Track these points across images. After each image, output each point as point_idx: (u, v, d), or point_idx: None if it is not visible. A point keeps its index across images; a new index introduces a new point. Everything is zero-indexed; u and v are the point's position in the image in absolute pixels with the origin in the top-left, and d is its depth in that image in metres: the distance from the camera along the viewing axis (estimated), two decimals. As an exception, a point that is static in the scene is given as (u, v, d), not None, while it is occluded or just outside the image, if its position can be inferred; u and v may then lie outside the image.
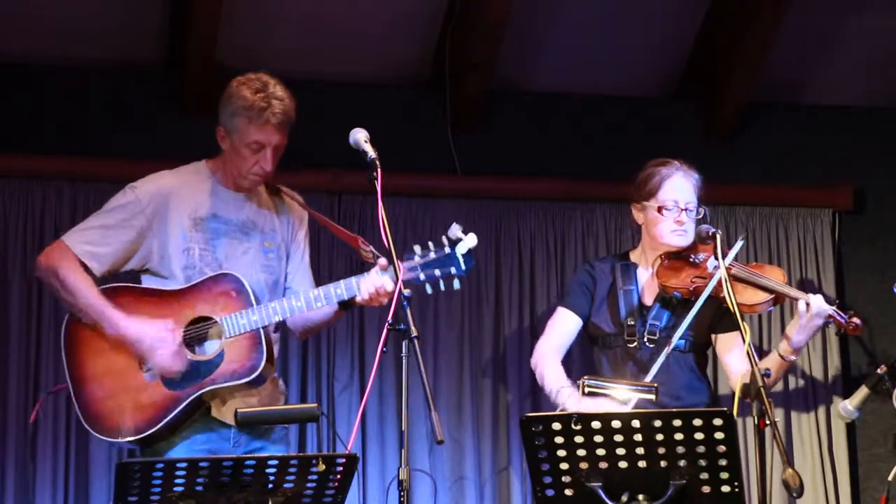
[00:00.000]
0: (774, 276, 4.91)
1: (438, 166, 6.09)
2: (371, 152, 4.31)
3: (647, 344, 4.89)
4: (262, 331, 4.43)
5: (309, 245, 4.78)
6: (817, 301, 4.81)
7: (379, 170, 4.26)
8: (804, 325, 4.80)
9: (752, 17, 5.98)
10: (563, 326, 5.04)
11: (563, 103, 6.31)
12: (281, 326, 4.74)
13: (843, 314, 4.85)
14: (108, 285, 4.53)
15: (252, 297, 4.44)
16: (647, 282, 4.99)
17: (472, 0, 5.84)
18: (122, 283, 4.58)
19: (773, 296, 4.86)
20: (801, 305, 4.79)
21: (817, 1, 6.08)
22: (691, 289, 4.84)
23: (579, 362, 5.16)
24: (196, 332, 4.47)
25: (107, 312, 4.42)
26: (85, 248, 4.49)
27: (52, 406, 5.58)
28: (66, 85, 5.86)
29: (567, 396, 4.81)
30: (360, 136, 4.38)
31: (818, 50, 6.32)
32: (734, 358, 4.94)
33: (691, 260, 4.92)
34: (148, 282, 4.58)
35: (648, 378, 4.69)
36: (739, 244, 4.94)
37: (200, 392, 4.41)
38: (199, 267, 4.51)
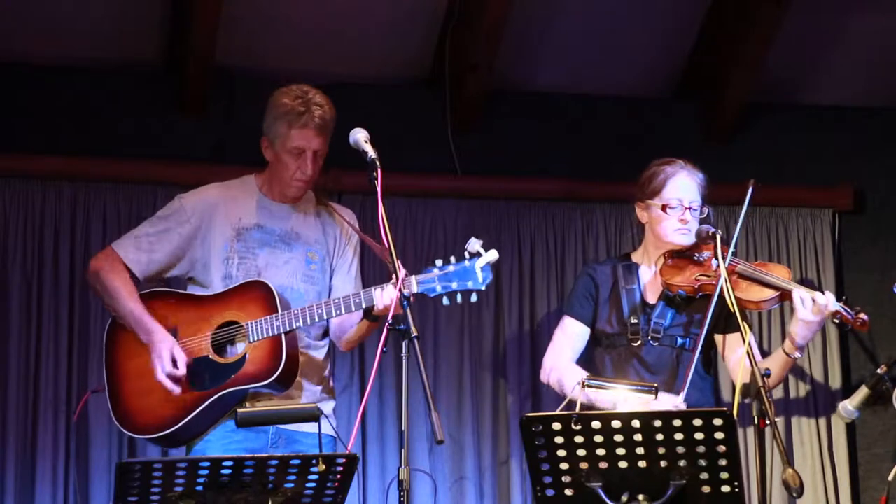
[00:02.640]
0: (780, 274, 4.90)
1: (438, 166, 6.09)
2: (371, 152, 4.32)
3: (651, 342, 4.89)
4: (283, 336, 4.49)
5: (358, 262, 4.84)
6: (812, 297, 4.79)
7: (379, 170, 4.27)
8: (804, 320, 4.79)
9: (752, 18, 5.97)
10: (572, 336, 5.00)
11: (563, 103, 6.31)
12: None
13: (850, 310, 4.84)
14: (146, 290, 4.69)
15: (279, 304, 4.52)
16: (649, 280, 4.99)
17: (472, 0, 5.84)
18: (160, 289, 4.75)
19: (778, 293, 4.85)
20: (797, 299, 4.78)
21: (817, 1, 6.08)
22: (696, 286, 4.84)
23: (579, 362, 5.16)
24: (224, 336, 4.58)
25: (142, 320, 4.58)
26: (130, 254, 4.66)
27: (52, 406, 5.58)
28: (67, 85, 5.86)
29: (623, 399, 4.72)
30: (360, 136, 4.39)
31: (818, 50, 6.32)
32: (737, 357, 4.93)
33: (695, 258, 4.92)
34: (192, 290, 4.72)
35: (683, 392, 4.67)
36: (750, 191, 4.91)
37: (219, 395, 4.50)
38: (236, 276, 4.63)
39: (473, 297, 4.40)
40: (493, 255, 4.38)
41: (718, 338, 5.00)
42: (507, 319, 6.03)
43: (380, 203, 4.22)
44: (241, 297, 4.58)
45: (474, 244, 4.37)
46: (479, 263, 4.36)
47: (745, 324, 4.44)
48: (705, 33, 6.24)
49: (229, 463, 3.74)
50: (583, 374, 4.88)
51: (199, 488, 3.74)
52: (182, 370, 4.52)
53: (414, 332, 4.07)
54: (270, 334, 4.50)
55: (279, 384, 4.53)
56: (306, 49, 5.96)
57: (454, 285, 4.39)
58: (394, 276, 4.32)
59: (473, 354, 5.99)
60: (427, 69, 6.16)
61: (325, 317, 4.52)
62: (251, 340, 4.51)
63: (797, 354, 4.88)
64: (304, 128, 4.59)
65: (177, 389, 4.51)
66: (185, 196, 4.75)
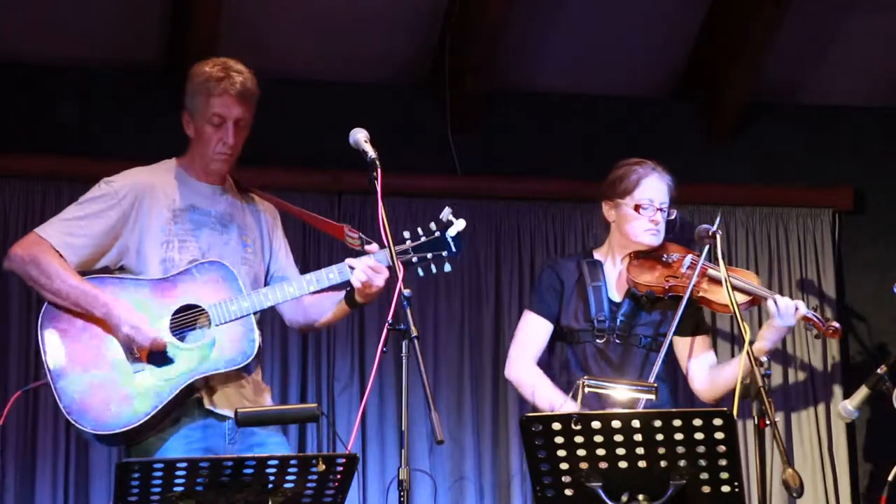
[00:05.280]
0: (749, 279, 4.93)
1: (438, 166, 6.09)
2: (371, 152, 4.29)
3: (616, 340, 4.89)
4: (252, 318, 4.38)
5: (288, 244, 4.71)
6: (784, 301, 4.82)
7: (379, 170, 4.24)
8: (775, 326, 4.82)
9: (752, 18, 5.98)
10: (535, 332, 4.97)
11: (562, 103, 6.31)
12: (278, 322, 4.71)
13: (821, 318, 4.86)
14: (89, 276, 4.42)
15: (241, 284, 4.40)
16: (615, 279, 4.99)
17: (471, 0, 5.84)
18: (101, 275, 4.47)
19: (749, 298, 4.88)
20: (771, 305, 4.81)
21: (817, 1, 6.08)
22: (666, 287, 4.84)
23: (548, 355, 5.17)
24: (183, 321, 4.39)
25: (93, 293, 4.35)
26: (61, 239, 4.42)
27: (53, 404, 5.57)
28: (66, 85, 5.86)
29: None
30: (360, 136, 4.36)
31: (818, 50, 6.32)
32: (698, 363, 4.95)
33: (664, 259, 4.93)
34: None
35: (651, 378, 4.69)
36: (718, 219, 4.91)
37: (191, 380, 4.33)
38: (178, 259, 4.43)
39: (447, 267, 4.39)
40: (462, 223, 4.39)
41: (684, 341, 4.98)
42: (507, 319, 6.03)
43: (380, 203, 4.20)
44: (194, 280, 4.40)
45: (446, 213, 4.38)
46: (451, 233, 4.37)
47: (745, 324, 4.44)
48: (705, 33, 6.24)
49: (230, 463, 3.74)
50: (553, 388, 4.89)
51: (199, 488, 3.74)
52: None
53: (414, 332, 4.05)
54: (238, 316, 4.35)
55: (250, 367, 4.41)
56: (306, 49, 5.97)
57: (428, 255, 4.38)
58: (385, 252, 4.30)
59: (473, 354, 6.00)
60: (427, 69, 6.16)
61: (297, 294, 4.40)
62: (216, 324, 4.35)
63: (764, 358, 4.89)
64: (223, 95, 4.41)
65: (165, 342, 4.31)
66: (112, 180, 4.53)
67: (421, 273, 4.39)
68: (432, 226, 4.40)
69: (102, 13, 5.76)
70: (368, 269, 4.38)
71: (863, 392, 5.39)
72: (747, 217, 6.30)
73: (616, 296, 4.96)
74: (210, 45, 5.69)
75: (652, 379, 4.71)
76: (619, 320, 4.90)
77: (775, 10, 5.92)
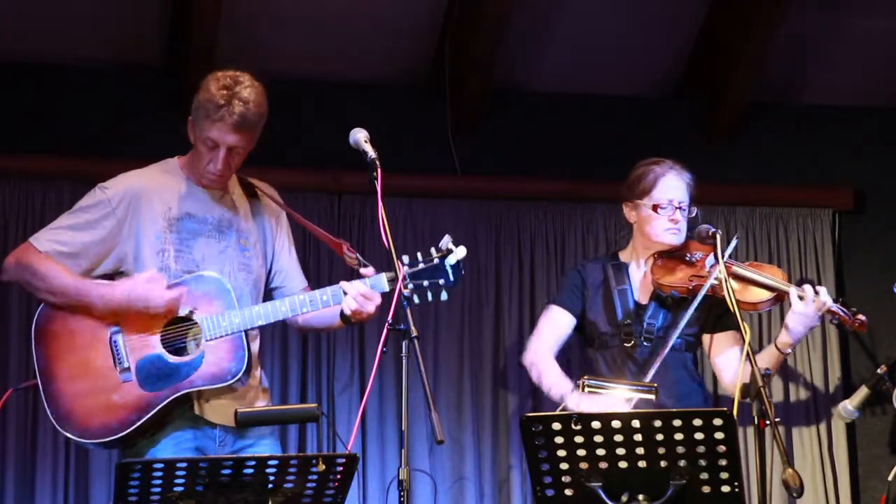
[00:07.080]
0: (774, 275, 4.92)
1: (438, 166, 6.09)
2: (371, 152, 4.29)
3: (644, 343, 4.90)
4: (243, 335, 4.36)
5: (293, 241, 4.70)
6: (811, 291, 4.82)
7: (379, 170, 4.24)
8: (800, 315, 4.81)
9: (752, 18, 5.98)
10: (557, 325, 5.04)
11: (563, 103, 6.31)
12: (279, 322, 4.69)
13: (847, 311, 4.86)
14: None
15: (234, 299, 4.37)
16: (640, 281, 5.00)
17: (472, 0, 5.84)
18: (97, 280, 4.45)
19: (774, 294, 4.88)
20: (794, 296, 4.82)
21: (817, 1, 6.08)
22: (690, 287, 4.85)
23: (580, 361, 5.16)
24: (174, 334, 4.38)
25: (90, 287, 4.35)
26: (54, 248, 4.42)
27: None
28: (66, 85, 5.86)
29: (573, 401, 4.80)
30: (360, 136, 4.35)
31: (818, 50, 6.32)
32: (727, 359, 4.95)
33: (687, 259, 4.93)
34: None
35: (647, 378, 4.70)
36: (734, 243, 4.94)
37: (177, 395, 4.33)
38: (174, 269, 4.42)
39: (444, 296, 4.35)
40: (462, 251, 4.35)
41: (706, 337, 5.01)
42: (507, 319, 6.03)
43: (380, 203, 4.20)
44: (190, 292, 4.38)
45: (446, 241, 4.34)
46: (450, 261, 4.33)
47: (744, 324, 4.44)
48: (706, 33, 6.24)
49: (229, 463, 3.74)
50: (561, 375, 4.93)
51: (199, 488, 3.74)
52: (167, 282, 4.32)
53: (414, 332, 4.06)
54: (229, 332, 4.33)
55: (239, 382, 4.39)
56: (306, 49, 5.97)
57: (425, 283, 4.33)
58: (380, 278, 4.32)
59: (473, 354, 5.99)
60: (427, 69, 6.16)
61: (290, 314, 4.39)
62: (207, 338, 4.34)
63: (788, 350, 4.91)
64: (219, 122, 4.38)
65: (184, 298, 4.32)
66: (107, 186, 4.52)
67: (417, 301, 4.31)
68: (432, 252, 4.36)
69: (102, 13, 5.76)
70: (360, 296, 4.36)
71: (863, 392, 5.40)
72: (747, 217, 6.29)
73: (642, 298, 4.96)
74: (210, 45, 5.69)
75: (654, 368, 4.72)
76: (645, 323, 4.91)
77: (775, 10, 5.92)
